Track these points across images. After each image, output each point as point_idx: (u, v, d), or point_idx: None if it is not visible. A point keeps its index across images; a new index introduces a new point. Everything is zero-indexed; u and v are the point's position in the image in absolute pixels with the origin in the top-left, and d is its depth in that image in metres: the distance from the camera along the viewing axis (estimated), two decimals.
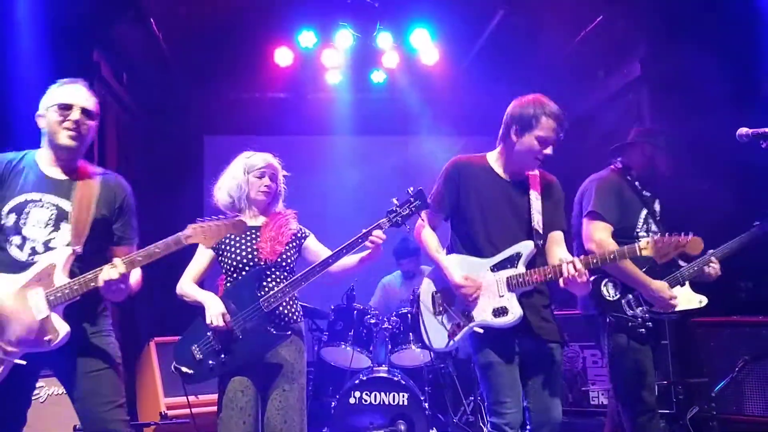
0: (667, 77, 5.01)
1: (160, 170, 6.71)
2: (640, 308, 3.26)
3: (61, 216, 2.65)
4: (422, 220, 3.00)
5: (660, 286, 3.21)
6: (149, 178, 6.41)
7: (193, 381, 2.99)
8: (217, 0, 5.52)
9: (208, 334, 2.95)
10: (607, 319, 3.26)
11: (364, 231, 2.88)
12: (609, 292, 3.30)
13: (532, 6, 5.48)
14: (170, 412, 4.48)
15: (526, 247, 2.90)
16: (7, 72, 4.32)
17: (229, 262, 3.06)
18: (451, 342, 2.97)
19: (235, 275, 3.06)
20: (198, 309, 3.02)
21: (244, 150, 3.25)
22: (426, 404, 4.33)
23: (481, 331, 2.89)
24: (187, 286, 3.09)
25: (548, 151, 2.93)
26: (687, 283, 3.33)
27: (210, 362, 2.94)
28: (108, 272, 2.52)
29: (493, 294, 2.88)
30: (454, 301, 2.98)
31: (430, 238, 3.08)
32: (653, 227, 3.39)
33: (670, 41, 4.97)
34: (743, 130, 3.07)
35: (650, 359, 3.28)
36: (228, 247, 3.07)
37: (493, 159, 3.09)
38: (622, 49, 5.54)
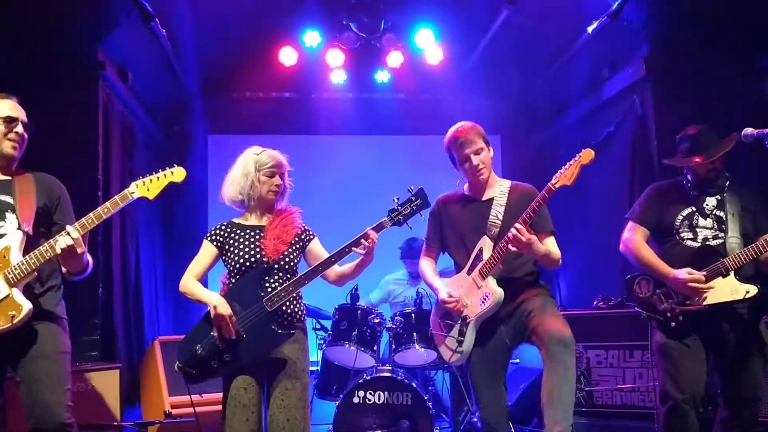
0: (672, 78, 5.00)
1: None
2: (670, 301, 3.18)
3: (4, 208, 2.83)
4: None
5: (677, 272, 3.15)
6: None
7: (197, 380, 3.00)
8: None
9: (212, 333, 2.95)
10: (642, 316, 3.30)
11: (366, 230, 2.93)
12: (641, 289, 3.30)
13: (537, 6, 5.48)
14: (174, 411, 4.49)
15: (482, 242, 3.23)
16: (12, 72, 4.35)
17: (233, 261, 3.05)
18: (463, 347, 3.22)
19: (238, 274, 3.05)
20: (202, 308, 3.03)
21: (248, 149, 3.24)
22: (429, 404, 4.32)
23: (474, 321, 3.19)
24: (191, 284, 3.08)
25: (475, 161, 3.22)
26: (732, 273, 3.14)
27: (214, 362, 2.95)
28: (63, 239, 2.70)
29: (474, 289, 3.20)
30: (453, 316, 3.29)
31: (426, 267, 3.48)
32: (700, 222, 3.28)
33: (674, 41, 4.95)
34: (748, 130, 3.08)
35: (688, 355, 3.15)
36: (232, 247, 3.07)
37: (466, 186, 3.41)
38: (627, 49, 5.53)
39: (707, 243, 3.25)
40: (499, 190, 3.30)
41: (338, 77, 6.70)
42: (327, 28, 6.18)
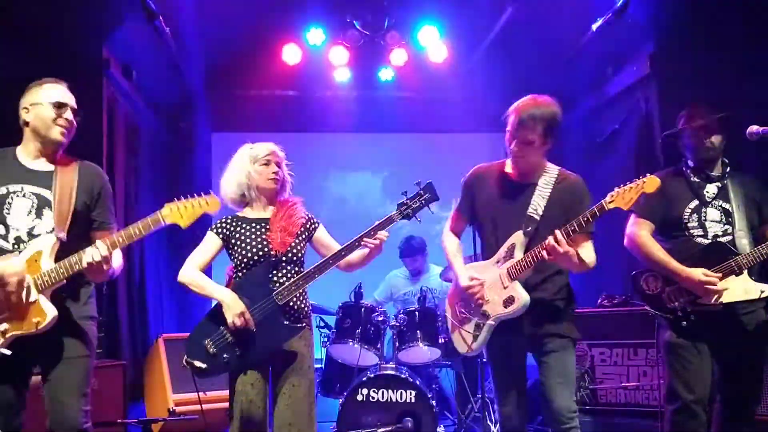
0: (676, 75, 4.99)
1: (169, 167, 6.74)
2: (681, 299, 3.13)
3: (42, 204, 2.76)
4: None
5: (692, 273, 3.06)
6: (158, 175, 6.43)
7: (206, 375, 2.98)
8: None
9: (222, 327, 2.94)
10: (650, 314, 3.25)
11: (377, 223, 2.93)
12: (649, 285, 3.24)
13: (541, 3, 5.47)
14: (178, 408, 4.50)
15: (515, 237, 2.98)
16: (17, 70, 4.35)
17: (240, 255, 3.04)
18: (477, 343, 3.07)
19: (246, 268, 3.04)
20: (206, 304, 3.03)
21: None
22: (433, 402, 4.32)
23: (494, 323, 3.00)
24: (196, 275, 3.03)
25: (513, 146, 2.99)
26: (746, 272, 3.06)
27: (224, 356, 2.93)
28: (91, 254, 2.63)
29: (499, 287, 2.98)
30: (471, 305, 3.09)
31: (449, 243, 3.24)
32: (708, 216, 3.20)
33: (679, 38, 4.94)
34: (753, 128, 3.06)
35: (697, 355, 3.11)
36: (238, 241, 3.06)
37: (509, 162, 3.15)
38: (631, 46, 5.52)
39: (718, 240, 3.17)
40: (544, 177, 3.05)
41: (342, 75, 6.71)
42: (331, 26, 6.19)
